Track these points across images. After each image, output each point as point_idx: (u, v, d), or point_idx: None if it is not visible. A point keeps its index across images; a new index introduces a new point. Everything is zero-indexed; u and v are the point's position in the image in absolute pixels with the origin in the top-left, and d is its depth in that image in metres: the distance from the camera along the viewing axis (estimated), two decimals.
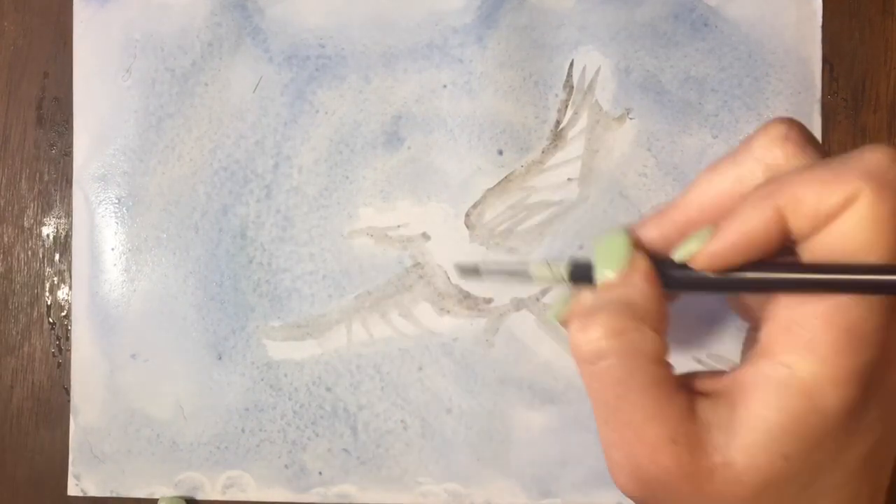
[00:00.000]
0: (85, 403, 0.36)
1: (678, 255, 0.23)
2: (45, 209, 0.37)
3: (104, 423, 0.36)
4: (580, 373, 0.23)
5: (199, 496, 0.35)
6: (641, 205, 0.34)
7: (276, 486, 0.35)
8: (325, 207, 0.35)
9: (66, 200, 0.36)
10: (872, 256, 0.20)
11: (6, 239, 0.37)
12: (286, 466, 0.35)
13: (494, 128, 0.35)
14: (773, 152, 0.22)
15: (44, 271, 0.36)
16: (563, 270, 0.26)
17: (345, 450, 0.35)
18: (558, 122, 0.35)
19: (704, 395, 0.23)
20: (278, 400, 0.35)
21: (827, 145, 0.34)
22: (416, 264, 0.35)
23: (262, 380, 0.35)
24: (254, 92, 0.35)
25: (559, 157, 0.35)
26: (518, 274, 0.27)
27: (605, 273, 0.24)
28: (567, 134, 0.35)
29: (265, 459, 0.35)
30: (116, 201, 0.36)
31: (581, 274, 0.25)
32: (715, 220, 0.23)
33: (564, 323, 0.25)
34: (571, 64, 0.35)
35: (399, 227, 0.35)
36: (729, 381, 0.23)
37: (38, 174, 0.37)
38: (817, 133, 0.34)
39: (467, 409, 0.34)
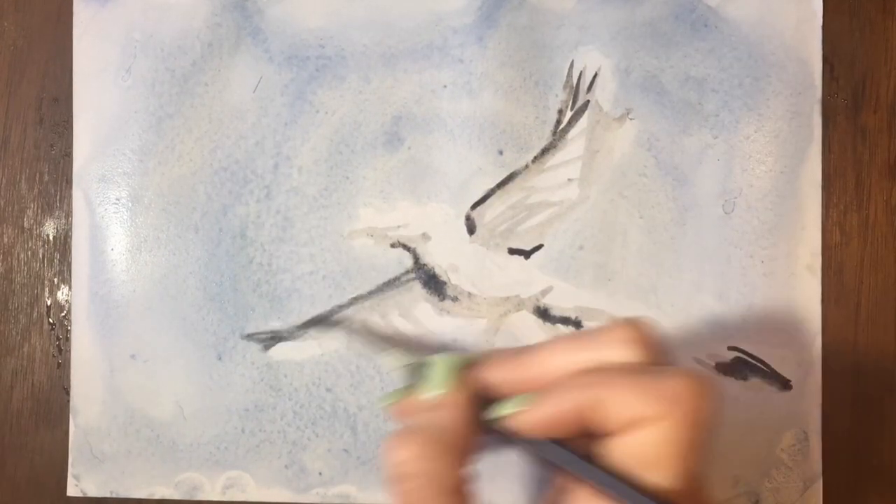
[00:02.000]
0: (85, 404, 0.36)
1: (496, 411, 0.25)
2: (45, 209, 0.37)
3: (104, 423, 0.35)
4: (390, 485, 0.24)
5: (199, 496, 0.35)
6: (641, 205, 0.34)
7: (275, 487, 0.35)
8: (325, 208, 0.35)
9: (66, 201, 0.36)
10: (654, 475, 0.22)
11: (6, 239, 0.37)
12: (286, 467, 0.35)
13: (494, 128, 0.35)
14: (612, 352, 0.24)
15: (44, 272, 0.36)
16: (408, 360, 0.28)
17: (345, 450, 0.35)
18: (558, 123, 0.35)
19: None
20: (278, 400, 0.35)
21: (827, 145, 0.34)
22: (417, 264, 0.35)
23: (262, 380, 0.35)
24: (254, 92, 0.35)
25: (559, 157, 0.35)
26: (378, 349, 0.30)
27: (429, 392, 0.26)
28: (567, 134, 0.35)
29: (265, 460, 0.35)
30: (116, 201, 0.36)
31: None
32: (544, 387, 0.24)
33: (390, 412, 0.27)
34: (571, 64, 0.35)
35: (399, 227, 0.35)
36: None
37: (38, 174, 0.37)
38: (817, 133, 0.34)
39: None
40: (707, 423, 0.22)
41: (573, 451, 0.24)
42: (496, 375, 0.25)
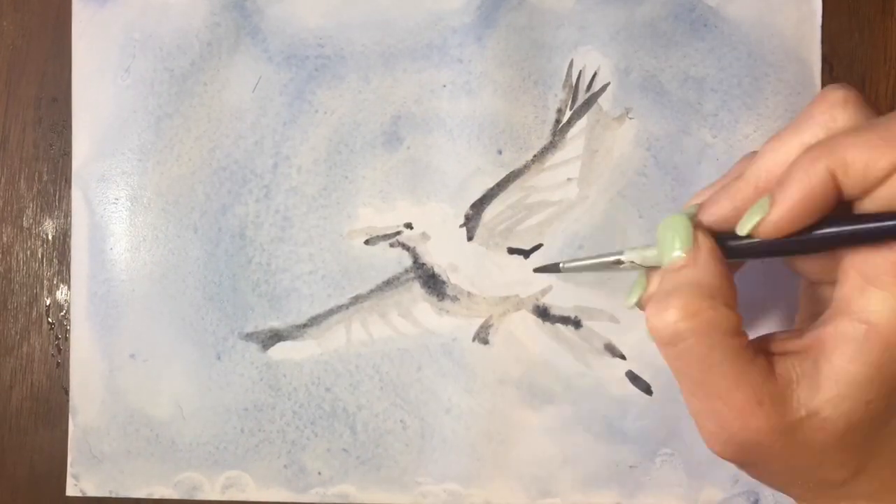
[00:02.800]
0: (84, 403, 0.36)
1: (743, 228, 0.24)
2: (44, 209, 0.36)
3: (103, 423, 0.35)
4: (662, 354, 0.24)
5: (199, 496, 0.35)
6: (641, 205, 0.34)
7: (275, 486, 0.35)
8: (325, 207, 0.35)
9: (65, 200, 0.36)
10: None
11: (5, 239, 0.37)
12: (285, 466, 0.35)
13: (494, 128, 0.35)
14: (833, 116, 0.23)
15: (43, 271, 0.36)
16: (651, 251, 0.27)
17: (344, 450, 0.35)
18: (558, 122, 0.35)
19: (782, 355, 0.24)
20: (277, 400, 0.35)
21: None
22: (416, 264, 0.35)
23: (262, 380, 0.35)
24: (253, 92, 0.35)
25: (559, 157, 0.35)
26: (602, 266, 0.30)
27: (672, 255, 0.24)
28: (567, 134, 0.35)
29: (264, 459, 0.35)
30: (115, 201, 0.36)
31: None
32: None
33: (643, 307, 0.27)
34: (571, 64, 0.35)
35: (398, 227, 0.35)
36: (808, 341, 0.24)
37: (36, 174, 0.37)
38: None
39: (466, 409, 0.34)
40: None
41: (835, 224, 0.23)
42: (725, 207, 0.25)
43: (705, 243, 0.24)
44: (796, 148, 0.23)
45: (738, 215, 0.25)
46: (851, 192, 0.22)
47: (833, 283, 0.25)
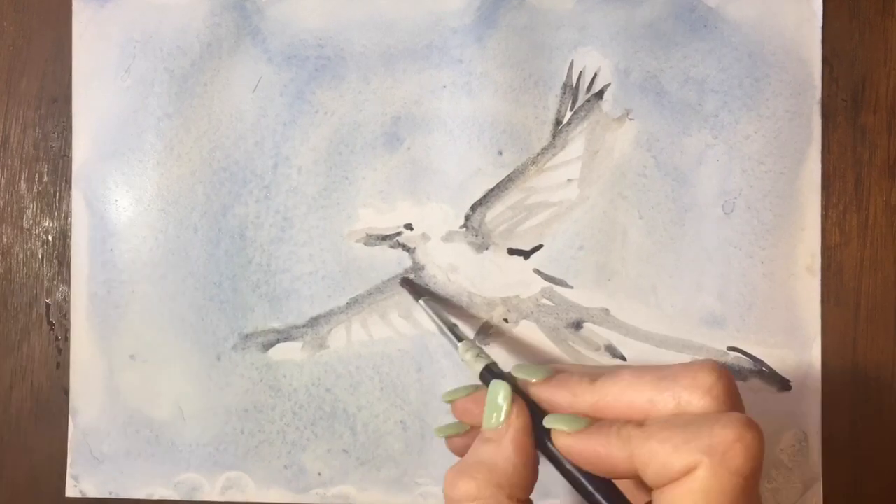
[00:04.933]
0: (84, 404, 0.36)
1: (548, 421, 0.25)
2: (45, 209, 0.36)
3: (103, 423, 0.35)
4: None
5: (199, 497, 0.35)
6: (641, 206, 0.34)
7: (275, 487, 0.35)
8: (325, 208, 0.35)
9: (65, 201, 0.36)
10: None
11: (5, 239, 0.37)
12: (285, 467, 0.35)
13: (494, 128, 0.35)
14: (691, 399, 0.23)
15: (43, 272, 0.36)
16: (479, 367, 0.28)
17: (344, 451, 0.35)
18: (558, 123, 0.35)
19: None
20: (277, 401, 0.35)
21: (827, 146, 0.34)
22: (416, 265, 0.35)
23: (262, 381, 0.35)
24: (253, 92, 0.35)
25: (559, 157, 0.35)
26: (445, 334, 0.31)
27: (487, 425, 0.25)
28: (567, 135, 0.35)
29: (264, 460, 0.35)
30: (115, 202, 0.36)
31: (489, 380, 0.27)
32: (616, 419, 0.24)
33: (453, 409, 0.28)
34: (571, 64, 0.35)
35: (399, 227, 0.35)
36: None
37: (37, 174, 0.37)
38: (817, 133, 0.34)
39: None
40: (758, 471, 0.22)
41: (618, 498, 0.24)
42: (561, 396, 0.25)
43: (516, 424, 0.25)
44: (645, 399, 0.24)
45: (571, 410, 0.25)
46: (650, 480, 0.22)
47: None
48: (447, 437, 0.28)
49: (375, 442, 0.35)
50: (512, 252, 0.35)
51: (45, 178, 0.36)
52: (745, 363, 0.34)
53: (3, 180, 0.37)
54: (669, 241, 0.34)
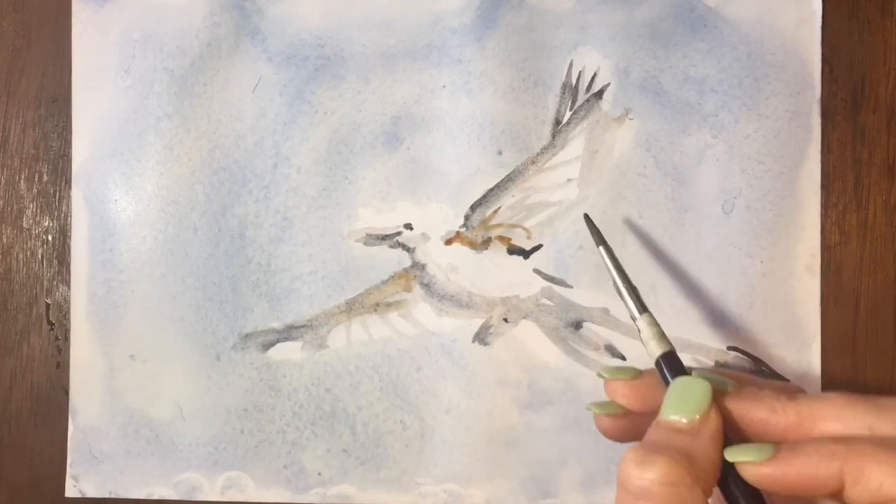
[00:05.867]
0: (84, 404, 0.36)
1: (730, 454, 0.23)
2: (44, 209, 0.36)
3: (103, 423, 0.35)
4: (617, 495, 0.23)
5: (198, 497, 0.35)
6: (641, 205, 0.34)
7: (274, 487, 0.35)
8: (324, 208, 0.35)
9: (64, 201, 0.36)
10: None
11: (5, 239, 0.37)
12: (285, 467, 0.35)
13: (494, 128, 0.35)
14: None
15: (43, 272, 0.36)
16: (658, 350, 0.27)
17: (344, 450, 0.35)
18: (558, 123, 0.35)
19: None
20: (277, 400, 0.35)
21: (826, 145, 0.34)
22: (416, 265, 0.35)
23: (261, 380, 0.35)
24: (253, 92, 0.35)
25: (559, 157, 0.35)
26: (621, 293, 0.29)
27: (680, 417, 0.24)
28: (566, 134, 0.35)
29: (264, 460, 0.35)
30: (115, 201, 0.36)
31: (667, 370, 0.26)
32: (801, 438, 0.23)
33: (609, 384, 0.27)
34: (571, 64, 0.35)
35: (398, 227, 0.35)
36: None
37: (36, 174, 0.37)
38: (817, 133, 0.34)
39: (466, 410, 0.34)
40: None
41: None
42: (758, 410, 0.24)
43: (715, 422, 0.24)
44: (863, 420, 0.23)
45: (765, 426, 0.24)
46: (858, 498, 0.22)
47: None
48: (601, 414, 0.27)
49: (375, 442, 0.35)
50: (512, 252, 0.35)
51: (45, 178, 0.36)
52: (745, 363, 0.34)
53: (3, 180, 0.37)
54: (669, 241, 0.34)
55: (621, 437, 0.27)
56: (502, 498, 0.34)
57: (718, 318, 0.34)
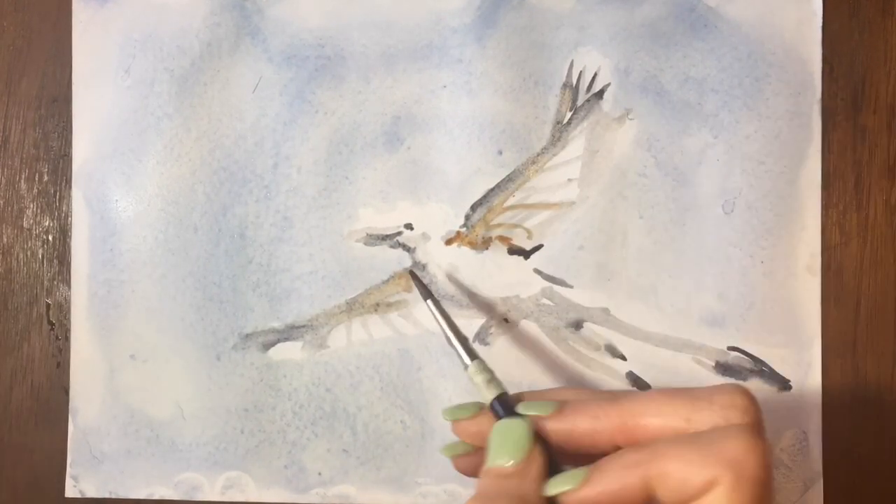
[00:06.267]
0: (84, 404, 0.36)
1: (550, 488, 0.24)
2: (45, 209, 0.36)
3: (103, 423, 0.35)
4: None
5: (199, 497, 0.35)
6: (641, 206, 0.34)
7: (275, 487, 0.35)
8: (325, 208, 0.35)
9: (65, 201, 0.36)
10: None
11: (5, 239, 0.37)
12: (285, 467, 0.35)
13: (494, 128, 0.35)
14: (730, 418, 0.23)
15: (43, 272, 0.36)
16: (490, 395, 0.27)
17: (344, 450, 0.35)
18: (558, 123, 0.35)
19: None
20: (277, 400, 0.35)
21: (827, 146, 0.34)
22: (416, 265, 0.35)
23: (262, 380, 0.35)
24: (253, 92, 0.35)
25: (559, 157, 0.35)
26: (452, 344, 0.30)
27: (504, 461, 0.25)
28: (567, 134, 0.35)
29: (264, 460, 0.35)
30: (115, 201, 0.36)
31: (500, 411, 0.27)
32: (638, 442, 0.24)
33: (453, 425, 0.28)
34: (571, 64, 0.35)
35: (399, 227, 0.35)
36: None
37: (37, 174, 0.37)
38: (817, 133, 0.34)
39: None
40: (772, 479, 0.22)
41: None
42: (582, 422, 0.25)
43: (539, 459, 0.25)
44: (679, 414, 0.24)
45: (593, 435, 0.25)
46: (667, 501, 0.22)
47: None
48: (454, 457, 0.28)
49: (375, 442, 0.35)
50: (512, 252, 0.35)
51: (45, 178, 0.36)
52: (745, 363, 0.34)
53: (3, 180, 0.37)
54: (669, 241, 0.34)
55: (478, 473, 0.27)
56: None
57: (718, 318, 0.34)
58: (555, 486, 0.24)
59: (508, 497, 0.24)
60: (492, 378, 0.28)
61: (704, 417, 0.23)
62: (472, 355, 0.29)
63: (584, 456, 0.25)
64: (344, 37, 0.35)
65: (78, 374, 0.36)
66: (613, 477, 0.23)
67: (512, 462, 0.24)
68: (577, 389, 0.29)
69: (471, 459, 0.28)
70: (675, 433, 0.23)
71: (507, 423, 0.26)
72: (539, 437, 0.25)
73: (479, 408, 0.28)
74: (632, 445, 0.24)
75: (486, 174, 0.35)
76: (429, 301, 0.32)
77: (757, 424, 0.23)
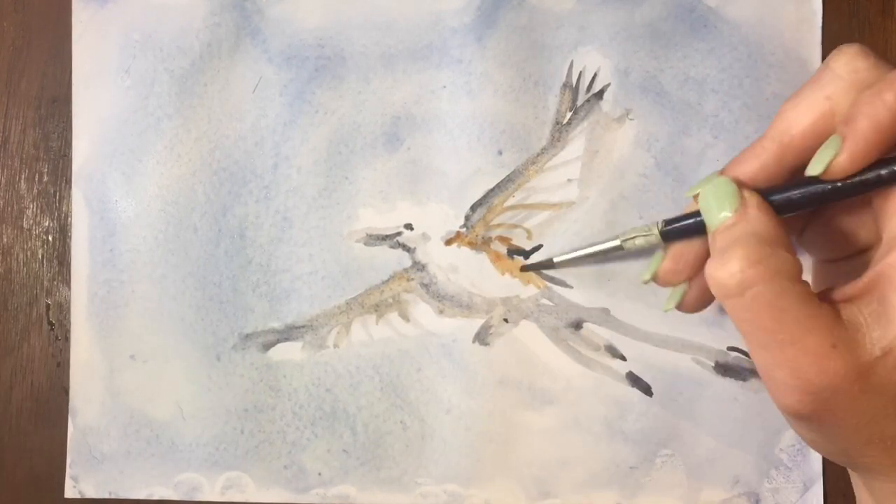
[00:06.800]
0: (84, 404, 0.36)
1: (814, 168, 0.24)
2: (45, 210, 0.36)
3: (103, 423, 0.35)
4: (727, 308, 0.24)
5: (198, 497, 0.35)
6: (641, 205, 0.34)
7: (275, 487, 0.35)
8: (325, 208, 0.35)
9: (65, 201, 0.36)
10: None
11: (5, 239, 0.37)
12: (285, 467, 0.35)
13: (494, 128, 0.35)
14: (856, 67, 0.23)
15: (43, 272, 0.36)
16: (656, 232, 0.28)
17: (344, 450, 0.35)
18: (558, 123, 0.35)
19: (844, 302, 0.24)
20: (277, 401, 0.35)
21: None
22: (416, 265, 0.35)
23: (262, 381, 0.35)
24: (253, 92, 0.35)
25: (559, 157, 0.35)
26: (600, 254, 0.31)
27: (721, 215, 0.24)
28: (567, 135, 0.35)
29: (264, 460, 0.35)
30: (115, 202, 0.36)
31: (678, 231, 0.27)
32: (812, 143, 0.24)
33: (658, 280, 0.28)
34: (571, 65, 0.35)
35: (399, 227, 0.35)
36: (867, 282, 0.24)
37: (37, 175, 0.37)
38: None
39: (466, 410, 0.34)
40: None
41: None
42: (750, 166, 0.25)
43: (752, 198, 0.24)
44: (820, 102, 0.24)
45: (765, 174, 0.25)
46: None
47: (849, 256, 0.26)
48: (679, 304, 0.28)
49: (375, 442, 0.35)
50: (512, 252, 0.35)
51: (45, 178, 0.36)
52: (745, 363, 0.34)
53: (3, 180, 0.37)
54: None
55: (703, 306, 0.28)
56: (502, 498, 0.34)
57: (718, 318, 0.34)
58: (818, 161, 0.24)
59: (741, 239, 0.23)
60: (647, 230, 0.29)
61: (840, 86, 0.23)
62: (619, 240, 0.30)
63: None
64: (344, 37, 0.35)
65: (78, 375, 0.36)
66: (866, 119, 0.23)
67: (726, 213, 0.24)
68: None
69: (692, 295, 0.28)
70: (823, 116, 0.23)
71: (707, 186, 0.25)
72: (746, 187, 0.25)
73: (663, 252, 0.28)
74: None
75: (486, 174, 0.35)
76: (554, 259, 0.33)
77: (881, 59, 0.23)
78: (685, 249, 0.28)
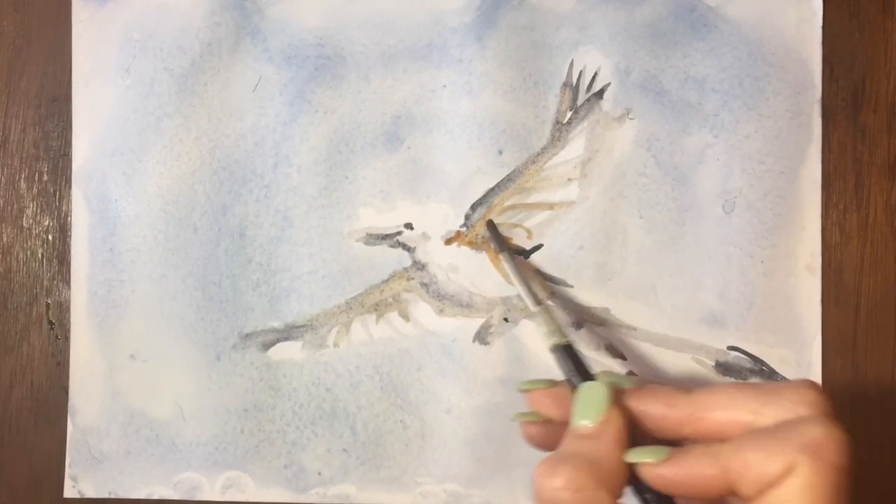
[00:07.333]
0: (84, 404, 0.36)
1: (630, 456, 0.24)
2: (45, 209, 0.36)
3: (103, 423, 0.35)
4: None
5: (198, 497, 0.35)
6: (641, 205, 0.34)
7: (275, 487, 0.35)
8: (325, 207, 0.35)
9: (65, 200, 0.36)
10: None
11: (5, 239, 0.37)
12: (285, 467, 0.35)
13: (494, 128, 0.35)
14: (798, 412, 0.23)
15: (43, 271, 0.36)
16: (555, 342, 0.29)
17: (344, 450, 0.35)
18: (558, 123, 0.35)
19: None
20: (277, 400, 0.35)
21: (827, 145, 0.34)
22: (416, 264, 0.35)
23: (262, 380, 0.35)
24: (253, 92, 0.35)
25: (559, 157, 0.35)
26: (524, 290, 0.32)
27: (582, 422, 0.25)
28: (567, 134, 0.35)
29: (264, 460, 0.35)
30: (115, 201, 0.36)
31: (565, 364, 0.28)
32: (706, 434, 0.24)
33: (528, 395, 0.28)
34: (571, 64, 0.35)
35: (399, 227, 0.35)
36: None
37: (37, 174, 0.37)
38: (817, 133, 0.34)
39: (466, 410, 0.34)
40: (851, 466, 0.22)
41: None
42: (654, 406, 0.25)
43: (617, 423, 0.25)
44: (748, 407, 0.24)
45: (662, 421, 0.25)
46: (747, 492, 0.23)
47: None
48: (524, 424, 0.28)
49: (375, 441, 0.35)
50: (512, 252, 0.35)
51: (45, 178, 0.36)
52: (745, 363, 0.34)
53: (3, 180, 0.37)
54: (669, 241, 0.34)
55: (546, 445, 0.27)
56: (502, 498, 0.34)
57: (718, 318, 0.34)
58: (637, 455, 0.24)
59: (582, 457, 0.24)
60: (559, 328, 0.29)
61: (773, 411, 0.23)
62: (539, 302, 0.31)
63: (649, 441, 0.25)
64: (344, 37, 0.35)
65: (78, 374, 0.36)
66: (695, 462, 0.23)
67: (591, 423, 0.25)
68: (655, 382, 0.30)
69: (539, 429, 0.28)
70: (743, 427, 0.24)
71: (589, 386, 0.26)
72: (620, 406, 0.25)
73: (553, 383, 0.28)
74: (700, 439, 0.24)
75: (486, 174, 0.35)
76: (503, 254, 0.33)
77: (831, 415, 0.23)
78: (567, 394, 0.28)
